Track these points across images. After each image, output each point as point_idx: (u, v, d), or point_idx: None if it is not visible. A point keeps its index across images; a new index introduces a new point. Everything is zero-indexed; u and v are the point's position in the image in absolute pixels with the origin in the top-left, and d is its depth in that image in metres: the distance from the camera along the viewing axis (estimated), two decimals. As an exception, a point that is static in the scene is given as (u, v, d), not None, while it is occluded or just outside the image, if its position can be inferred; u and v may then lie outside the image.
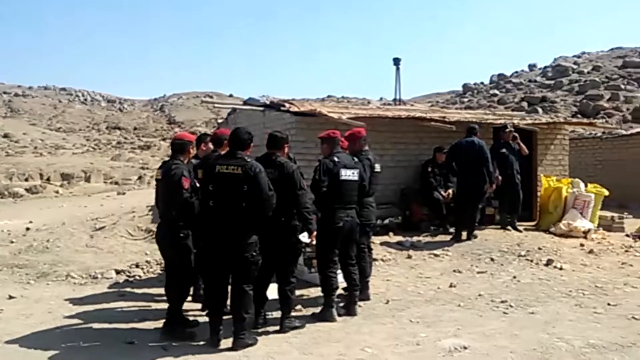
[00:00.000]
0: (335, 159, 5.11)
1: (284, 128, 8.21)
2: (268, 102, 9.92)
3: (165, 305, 4.86)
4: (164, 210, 4.80)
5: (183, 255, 4.66)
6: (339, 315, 5.08)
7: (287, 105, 9.02)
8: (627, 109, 34.94)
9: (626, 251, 8.10)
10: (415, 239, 8.50)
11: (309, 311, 5.24)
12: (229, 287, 4.41)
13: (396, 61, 21.81)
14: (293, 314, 4.93)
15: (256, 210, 4.30)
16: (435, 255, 7.63)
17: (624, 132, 16.80)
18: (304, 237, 4.91)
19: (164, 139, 39.52)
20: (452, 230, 8.70)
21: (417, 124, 9.56)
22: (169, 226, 4.67)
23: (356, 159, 5.37)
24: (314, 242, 5.07)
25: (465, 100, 48.57)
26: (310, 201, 4.85)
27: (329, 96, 61.17)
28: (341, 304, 5.27)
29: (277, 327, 4.73)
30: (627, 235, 9.34)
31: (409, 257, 7.53)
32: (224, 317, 4.39)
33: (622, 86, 40.07)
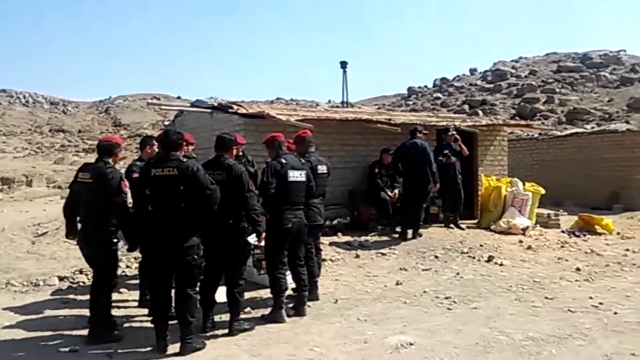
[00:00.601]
0: (283, 160, 5.13)
1: (232, 130, 8.16)
2: (216, 104, 9.83)
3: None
4: (93, 214, 4.65)
5: (114, 259, 4.67)
6: (289, 316, 5.10)
7: (235, 107, 8.97)
8: (562, 111, 36.67)
9: (562, 247, 8.51)
10: (363, 238, 8.62)
11: (259, 313, 5.23)
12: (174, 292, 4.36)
13: (343, 64, 22.00)
14: (242, 316, 4.92)
15: (197, 209, 4.26)
16: (383, 254, 7.77)
17: (558, 134, 17.63)
18: (252, 239, 4.92)
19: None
20: (398, 229, 8.88)
21: (364, 125, 9.71)
22: (101, 230, 4.57)
23: (303, 161, 5.42)
24: (263, 244, 5.08)
25: (411, 103, 49.61)
26: (258, 203, 4.85)
27: (278, 98, 61.06)
28: (290, 305, 5.29)
29: (226, 330, 4.69)
30: (563, 232, 9.81)
31: (357, 256, 7.63)
32: (171, 322, 4.33)
33: (557, 90, 42.02)
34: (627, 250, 8.33)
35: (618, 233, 9.84)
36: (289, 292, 5.34)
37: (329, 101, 51.81)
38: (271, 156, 5.27)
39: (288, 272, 5.24)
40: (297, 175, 5.15)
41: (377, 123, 9.69)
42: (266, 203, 5.06)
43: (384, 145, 9.62)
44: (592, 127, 24.60)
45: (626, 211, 12.94)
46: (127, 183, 4.68)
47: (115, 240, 4.66)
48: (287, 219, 5.04)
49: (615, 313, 5.14)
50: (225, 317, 4.83)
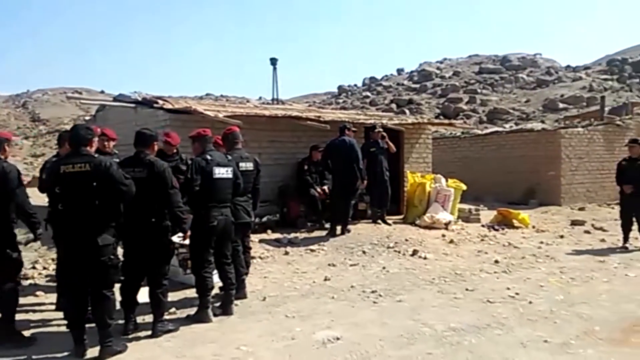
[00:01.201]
0: (208, 157, 5.02)
1: (157, 126, 7.92)
2: (140, 99, 9.49)
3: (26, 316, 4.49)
4: None
5: (19, 256, 4.49)
6: (215, 315, 5.01)
7: (160, 102, 8.70)
8: (483, 111, 38.40)
9: (482, 240, 8.89)
10: (292, 235, 8.63)
11: (184, 313, 5.10)
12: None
13: (273, 61, 22.01)
14: (166, 317, 4.78)
15: (111, 206, 4.10)
16: (312, 250, 7.81)
17: (479, 132, 18.40)
18: (177, 237, 4.79)
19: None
20: (327, 225, 8.95)
21: (294, 122, 9.71)
22: (4, 227, 4.35)
23: (230, 157, 5.33)
24: (188, 243, 4.96)
25: (341, 101, 50.23)
26: (182, 200, 4.71)
27: (207, 94, 60.04)
28: (217, 304, 5.20)
29: (149, 332, 4.55)
30: (483, 226, 10.25)
31: (287, 253, 7.63)
32: (90, 325, 4.13)
33: (479, 90, 43.94)
34: (542, 242, 8.84)
35: (533, 227, 10.41)
36: (215, 291, 5.26)
37: (260, 98, 51.56)
38: (196, 152, 5.14)
39: (215, 271, 5.15)
40: (223, 172, 5.06)
41: (306, 120, 9.71)
42: (191, 200, 4.94)
43: (313, 142, 9.66)
44: (511, 127, 25.81)
45: (541, 206, 13.71)
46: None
47: (16, 238, 4.48)
48: (212, 216, 4.94)
49: (530, 302, 5.42)
50: (149, 318, 4.67)
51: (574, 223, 10.91)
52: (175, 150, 6.28)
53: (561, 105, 37.44)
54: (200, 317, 4.92)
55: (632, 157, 8.62)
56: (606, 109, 22.84)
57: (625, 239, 8.56)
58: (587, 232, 10.08)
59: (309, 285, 6.14)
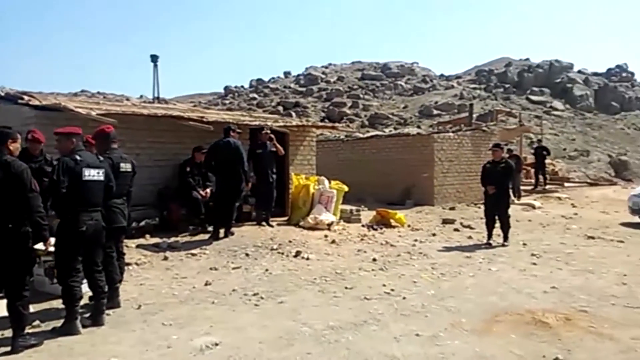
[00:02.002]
0: (77, 157, 4.68)
1: (23, 123, 7.29)
2: (3, 94, 8.66)
3: None
4: None
5: None
6: (85, 326, 4.68)
7: (26, 98, 8.00)
8: (365, 116, 39.92)
9: (362, 239, 9.21)
10: (173, 239, 8.36)
11: (50, 326, 4.71)
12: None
13: (154, 58, 21.19)
14: (29, 330, 4.39)
15: None
16: (193, 254, 7.60)
17: (361, 136, 19.12)
18: (39, 245, 4.40)
19: None
20: (210, 228, 8.77)
21: (176, 123, 9.40)
22: None
23: (102, 158, 5.02)
24: (52, 250, 4.59)
25: (227, 102, 49.56)
26: (42, 205, 4.34)
27: (82, 91, 56.42)
28: (87, 315, 4.87)
29: (9, 348, 4.14)
30: (363, 226, 10.63)
31: (166, 258, 7.35)
32: None
33: (361, 95, 45.60)
34: (416, 240, 9.35)
35: (409, 225, 10.99)
36: (85, 300, 4.92)
37: (141, 96, 49.34)
38: (64, 152, 4.77)
39: (84, 280, 4.82)
40: (94, 174, 4.75)
41: (188, 120, 9.44)
42: (57, 204, 4.58)
43: (196, 143, 9.42)
44: (390, 131, 27.08)
45: (416, 205, 14.53)
46: None
47: None
48: (81, 221, 4.61)
49: (404, 298, 5.70)
50: (9, 333, 4.26)
51: (445, 222, 11.68)
52: (39, 150, 5.80)
53: (435, 112, 39.98)
54: (67, 329, 4.57)
55: (494, 161, 9.41)
56: (474, 115, 24.77)
57: (489, 236, 9.31)
58: (457, 230, 10.84)
59: (189, 291, 5.96)
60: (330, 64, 62.66)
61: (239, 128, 9.49)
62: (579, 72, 53.71)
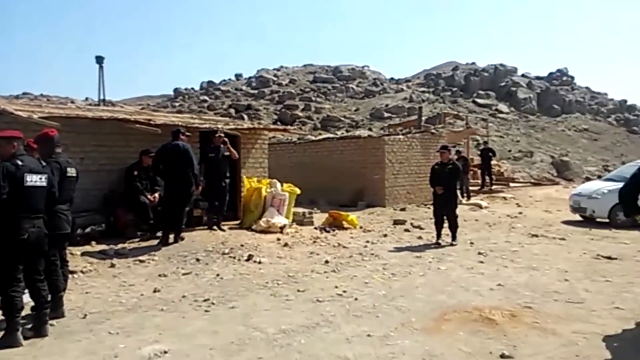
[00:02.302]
0: (19, 162, 4.49)
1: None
2: None
3: None
4: None
5: None
6: (26, 338, 4.49)
7: (-41, 100, 7.62)
8: (317, 118, 40.09)
9: (314, 242, 9.23)
10: (120, 246, 8.14)
11: (-13, 339, 4.49)
12: None
13: (99, 59, 20.61)
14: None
15: None
16: (141, 261, 7.42)
17: (313, 138, 19.22)
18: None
19: None
20: (159, 234, 8.59)
21: (123, 126, 9.15)
22: None
23: (44, 163, 4.84)
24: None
25: (177, 104, 48.73)
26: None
27: (24, 93, 54.32)
28: (29, 326, 4.67)
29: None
30: (316, 228, 10.65)
31: (113, 265, 7.14)
32: None
33: (314, 98, 45.76)
34: (368, 241, 9.44)
35: (361, 227, 11.09)
36: (27, 311, 4.71)
37: (87, 99, 47.90)
38: (5, 156, 4.55)
39: (26, 289, 4.62)
40: (36, 180, 4.57)
41: (135, 123, 9.21)
42: (-5, 210, 4.37)
43: (144, 146, 9.20)
44: (342, 133, 27.29)
45: (368, 207, 14.69)
46: None
47: None
48: (23, 228, 4.42)
49: (356, 299, 5.74)
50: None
51: (396, 222, 11.85)
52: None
53: (386, 114, 40.58)
54: (8, 341, 4.37)
55: (442, 162, 9.62)
56: (423, 118, 25.27)
57: (438, 235, 9.51)
58: (407, 230, 11.02)
59: (137, 299, 5.80)
60: (282, 67, 62.61)
61: (189, 131, 9.35)
62: (523, 75, 55.68)
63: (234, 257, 7.77)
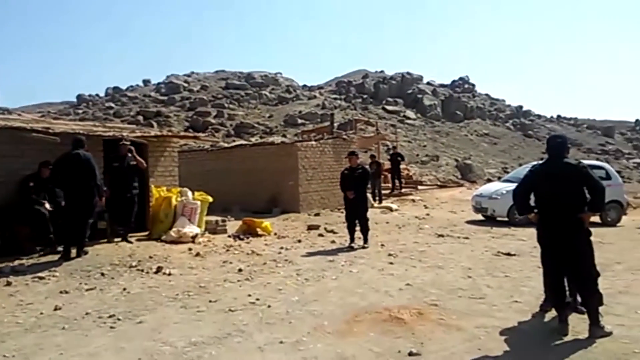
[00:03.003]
0: None
1: None
2: None
3: None
4: None
5: None
6: None
7: None
8: (231, 125, 39.68)
9: (227, 250, 9.09)
10: (17, 262, 7.64)
11: None
12: None
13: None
14: None
15: None
16: (41, 277, 6.95)
17: (226, 145, 18.93)
18: None
19: None
20: (60, 248, 8.10)
21: (17, 135, 8.55)
22: None
23: None
24: None
25: (80, 111, 46.44)
26: None
27: None
28: None
29: None
30: (229, 236, 10.51)
31: (9, 284, 6.64)
32: None
33: (226, 105, 45.25)
34: (282, 248, 9.44)
35: (275, 233, 11.07)
36: None
37: (-22, 106, 44.45)
38: None
39: None
40: None
41: (32, 132, 8.65)
42: None
43: (43, 157, 8.65)
44: (256, 140, 27.17)
45: (283, 213, 14.70)
46: None
47: None
48: None
49: (269, 306, 5.71)
50: None
51: (310, 228, 11.96)
52: None
53: (300, 121, 40.92)
54: None
55: (352, 167, 9.84)
56: (335, 124, 25.75)
57: (351, 239, 9.69)
58: (321, 235, 11.14)
59: (35, 318, 5.42)
60: (192, 73, 61.42)
61: (91, 139, 8.92)
62: (428, 83, 58.34)
63: (142, 270, 7.48)
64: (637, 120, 70.77)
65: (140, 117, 39.52)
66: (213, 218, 11.27)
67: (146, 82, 58.72)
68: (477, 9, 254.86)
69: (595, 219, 11.74)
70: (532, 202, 5.20)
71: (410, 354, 4.30)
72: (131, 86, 57.77)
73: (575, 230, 4.84)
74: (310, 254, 8.94)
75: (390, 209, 16.35)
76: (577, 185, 4.84)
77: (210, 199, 10.92)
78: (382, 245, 9.76)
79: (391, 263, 8.11)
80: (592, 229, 4.99)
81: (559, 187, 4.87)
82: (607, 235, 10.55)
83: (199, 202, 10.41)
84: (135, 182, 9.52)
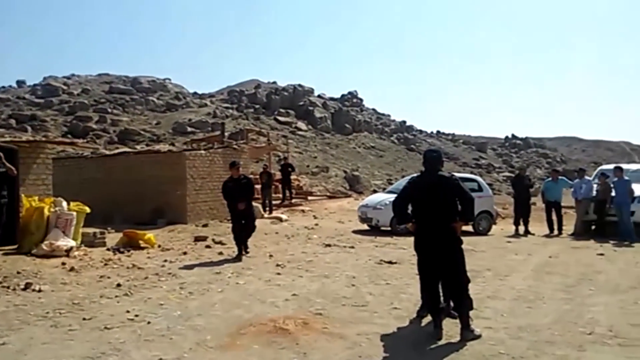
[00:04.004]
0: None
1: None
2: None
3: None
4: None
5: None
6: None
7: None
8: (114, 131, 37.75)
9: (105, 264, 8.58)
10: None
11: None
12: None
13: None
14: None
15: None
16: None
17: (107, 153, 17.96)
18: None
19: None
20: None
21: None
22: None
23: None
24: None
25: (-61, 112, 41.78)
26: None
27: None
28: None
29: None
30: (109, 249, 9.93)
31: None
32: None
33: (110, 110, 43.01)
34: (165, 261, 9.09)
35: (159, 246, 10.65)
36: None
37: None
38: None
39: None
40: None
41: None
42: None
43: None
44: (142, 147, 26.09)
45: (169, 224, 14.20)
46: None
47: None
48: None
49: (149, 323, 5.45)
50: None
51: (197, 239, 11.66)
52: None
53: (189, 129, 39.93)
54: None
55: (234, 178, 9.85)
56: (227, 134, 25.46)
57: (239, 250, 9.60)
58: (208, 246, 10.90)
59: None
60: (73, 75, 57.78)
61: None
62: (319, 96, 59.65)
63: (8, 287, 6.82)
64: (506, 137, 77.66)
65: (13, 121, 36.38)
66: (91, 230, 10.59)
67: (20, 83, 54.28)
68: (366, 23, 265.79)
69: (469, 228, 12.67)
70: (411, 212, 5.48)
71: (293, 364, 4.32)
72: (3, 87, 53.09)
73: (448, 239, 5.16)
74: (195, 267, 8.69)
75: (280, 220, 16.41)
76: (449, 196, 5.17)
77: (88, 210, 10.27)
78: (271, 255, 9.75)
79: (279, 274, 8.12)
80: (465, 238, 5.35)
81: (433, 197, 5.17)
82: (479, 244, 11.36)
83: (74, 213, 9.74)
84: (4, 190, 8.70)
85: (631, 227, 12.15)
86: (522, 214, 14.05)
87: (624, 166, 13.91)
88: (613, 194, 12.65)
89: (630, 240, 11.76)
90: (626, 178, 12.65)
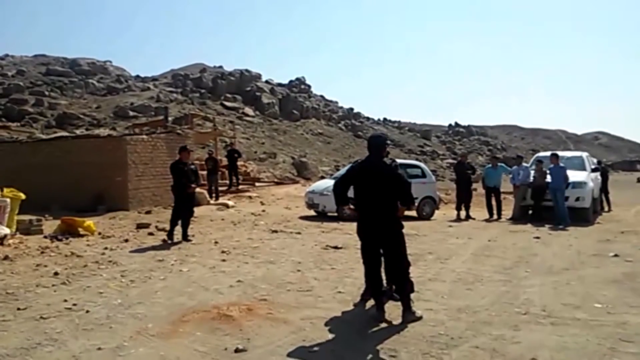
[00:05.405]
0: None
1: None
2: None
3: None
4: None
5: None
6: None
7: None
8: (52, 115, 36.17)
9: (42, 253, 8.27)
10: None
11: None
12: None
13: None
14: None
15: None
16: None
17: (44, 137, 17.19)
18: None
19: None
20: None
21: None
22: None
23: None
24: None
25: None
26: None
27: None
28: None
29: None
30: (46, 237, 9.57)
31: None
32: None
33: (47, 93, 41.14)
34: (106, 248, 8.84)
35: (99, 233, 10.34)
36: None
37: None
38: None
39: None
40: None
41: None
42: None
43: None
44: (82, 132, 25.16)
45: (109, 211, 13.79)
46: None
47: None
48: None
49: (87, 312, 5.29)
50: None
51: (140, 226, 11.38)
52: None
53: (131, 113, 38.73)
54: None
55: (183, 161, 9.71)
56: (171, 118, 24.87)
57: (171, 231, 9.60)
58: (151, 233, 10.66)
59: None
60: (7, 55, 54.81)
61: None
62: (266, 82, 59.10)
63: None
64: (450, 125, 79.67)
65: (-62, 103, 34.24)
66: (27, 217, 10.16)
67: (-53, 62, 50.95)
68: (315, 8, 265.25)
69: (412, 213, 12.94)
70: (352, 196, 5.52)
71: (237, 350, 4.29)
72: None
73: (389, 223, 5.25)
74: (137, 254, 8.49)
75: (227, 206, 16.24)
76: (389, 181, 5.25)
77: (23, 196, 9.84)
78: (216, 242, 9.64)
79: (224, 260, 8.05)
80: (408, 223, 5.45)
81: (374, 182, 5.23)
82: (422, 228, 11.62)
83: (8, 200, 9.31)
84: None
85: (566, 212, 12.70)
86: (463, 199, 14.44)
87: (560, 153, 14.49)
88: (549, 179, 13.18)
89: (564, 224, 12.31)
90: (561, 165, 13.19)
